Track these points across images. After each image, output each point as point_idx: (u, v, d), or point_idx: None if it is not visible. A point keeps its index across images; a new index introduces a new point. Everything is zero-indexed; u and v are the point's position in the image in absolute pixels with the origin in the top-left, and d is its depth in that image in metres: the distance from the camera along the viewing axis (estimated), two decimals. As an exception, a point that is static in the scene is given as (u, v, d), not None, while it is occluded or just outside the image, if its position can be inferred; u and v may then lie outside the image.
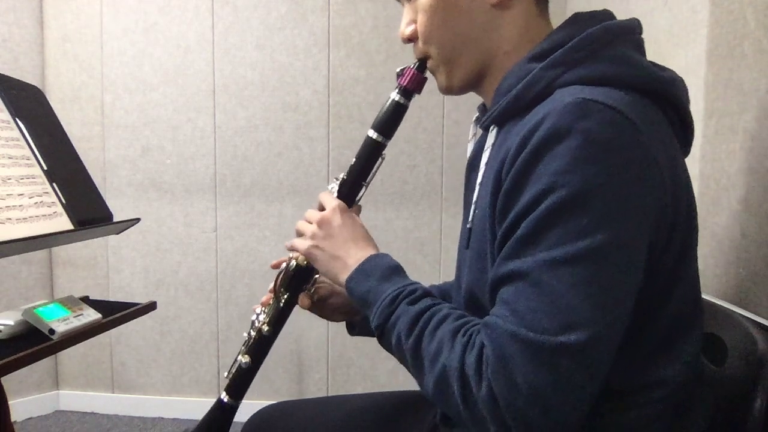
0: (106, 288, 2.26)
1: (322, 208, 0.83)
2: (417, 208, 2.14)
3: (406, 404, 0.96)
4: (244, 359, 0.89)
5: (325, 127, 2.16)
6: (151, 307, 1.13)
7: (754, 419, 0.66)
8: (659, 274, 0.61)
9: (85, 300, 1.06)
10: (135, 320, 1.10)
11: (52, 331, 0.89)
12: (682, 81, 0.69)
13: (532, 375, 0.54)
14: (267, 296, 0.91)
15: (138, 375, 2.29)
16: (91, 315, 0.97)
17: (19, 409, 2.18)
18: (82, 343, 0.96)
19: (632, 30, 0.68)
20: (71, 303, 0.98)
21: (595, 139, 0.55)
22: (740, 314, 0.79)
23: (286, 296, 0.89)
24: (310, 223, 0.82)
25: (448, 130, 2.14)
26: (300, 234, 0.84)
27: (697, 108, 1.07)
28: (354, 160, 0.85)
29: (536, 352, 0.54)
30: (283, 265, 0.90)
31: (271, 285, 0.90)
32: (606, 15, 0.70)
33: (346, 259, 0.77)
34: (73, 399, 2.31)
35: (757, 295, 0.88)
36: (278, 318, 0.89)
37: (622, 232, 0.55)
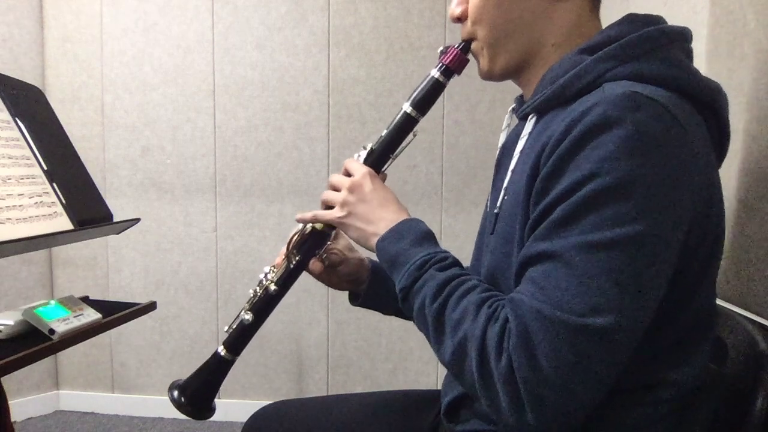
0: (106, 288, 2.26)
1: (347, 175, 0.83)
2: (417, 208, 2.14)
3: (407, 404, 0.96)
4: (247, 315, 0.89)
5: (325, 127, 2.16)
6: (151, 307, 1.13)
7: (754, 419, 0.66)
8: (685, 276, 0.61)
9: (85, 300, 1.06)
10: (135, 320, 1.10)
11: (52, 331, 0.89)
12: (725, 94, 0.69)
13: (554, 353, 0.54)
14: (279, 258, 0.91)
15: (138, 375, 2.29)
16: (91, 315, 0.97)
17: (19, 409, 2.18)
18: (82, 343, 0.96)
19: (685, 37, 0.69)
20: (71, 303, 0.98)
21: (644, 132, 0.56)
22: (740, 314, 0.79)
23: (297, 258, 0.88)
24: (338, 191, 0.81)
25: (448, 130, 2.14)
26: (327, 203, 0.83)
27: (697, 108, 1.06)
28: (384, 131, 0.84)
29: (560, 330, 0.54)
30: (299, 226, 0.89)
31: (284, 248, 0.90)
32: (660, 19, 0.71)
33: (379, 222, 0.77)
34: (73, 399, 2.31)
35: (757, 295, 0.88)
36: (286, 279, 0.89)
37: (659, 225, 0.56)
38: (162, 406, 2.27)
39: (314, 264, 0.91)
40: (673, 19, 0.73)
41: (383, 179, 0.86)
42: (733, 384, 0.71)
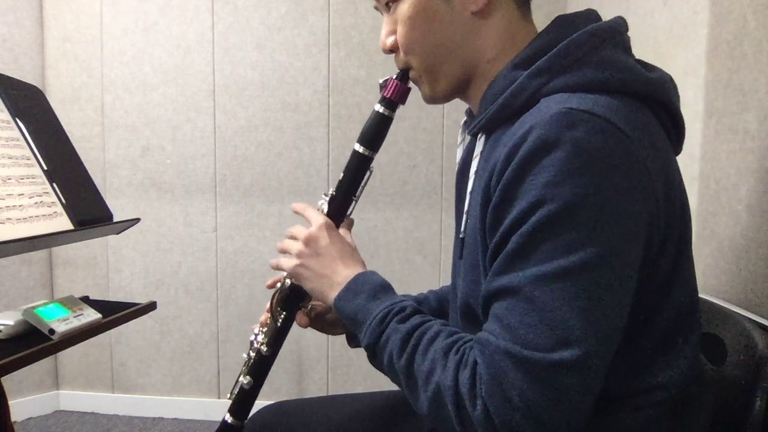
0: (106, 288, 2.26)
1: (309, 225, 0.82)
2: (417, 208, 2.14)
3: (407, 404, 0.96)
4: (246, 380, 0.89)
5: (325, 127, 2.16)
6: (151, 307, 1.13)
7: (754, 419, 0.66)
8: (655, 279, 0.60)
9: (85, 300, 1.06)
10: (135, 320, 1.10)
11: (52, 331, 0.89)
12: (671, 80, 0.67)
13: (528, 392, 0.53)
14: (264, 316, 0.91)
15: (138, 375, 2.29)
16: (91, 315, 0.97)
17: (19, 409, 2.18)
18: (82, 343, 0.96)
19: (617, 31, 0.66)
20: (71, 303, 0.98)
21: (583, 150, 0.54)
22: (740, 314, 0.79)
23: (283, 315, 0.89)
24: (296, 239, 0.81)
25: (448, 130, 2.14)
26: (282, 252, 0.83)
27: (697, 108, 1.07)
28: (342, 174, 0.84)
29: (530, 369, 0.53)
30: (278, 284, 0.89)
31: (268, 305, 0.90)
32: (590, 16, 0.68)
33: (334, 277, 0.76)
34: (73, 399, 2.31)
35: (757, 295, 0.88)
36: (276, 338, 0.89)
37: (612, 243, 0.55)
38: (162, 406, 2.27)
39: (301, 318, 0.90)
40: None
41: (350, 224, 0.86)
42: (733, 384, 0.71)
